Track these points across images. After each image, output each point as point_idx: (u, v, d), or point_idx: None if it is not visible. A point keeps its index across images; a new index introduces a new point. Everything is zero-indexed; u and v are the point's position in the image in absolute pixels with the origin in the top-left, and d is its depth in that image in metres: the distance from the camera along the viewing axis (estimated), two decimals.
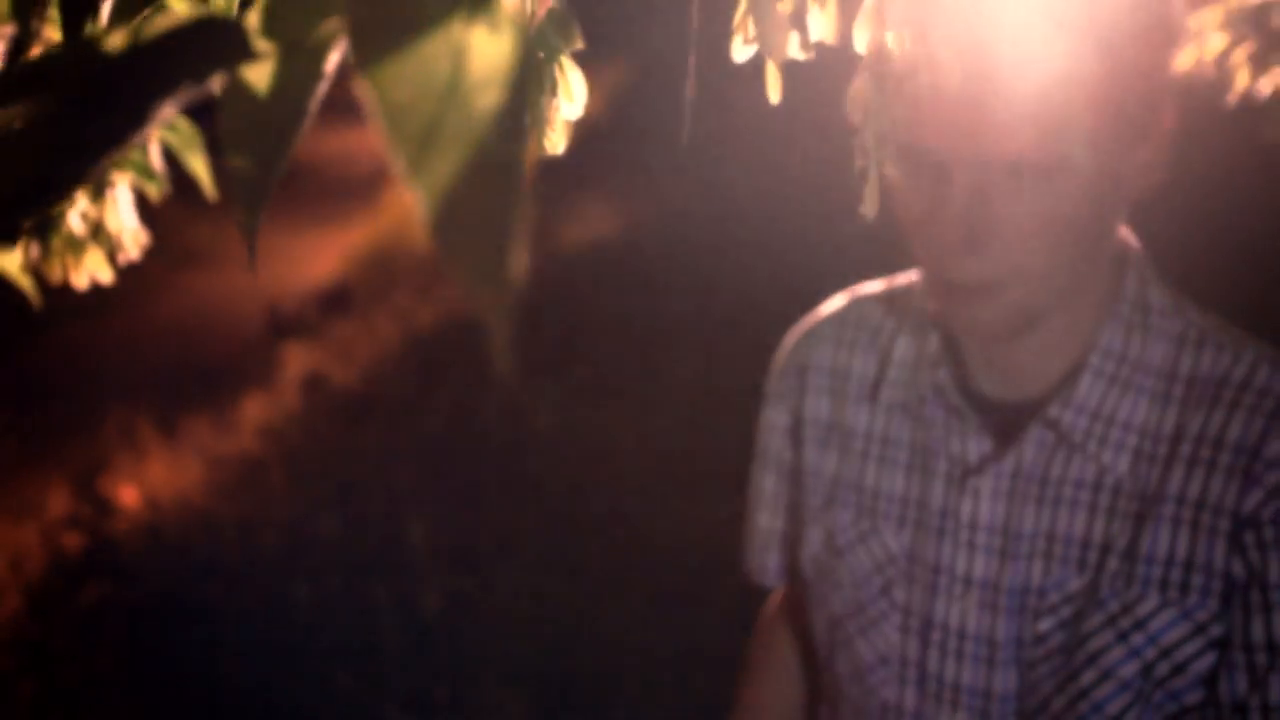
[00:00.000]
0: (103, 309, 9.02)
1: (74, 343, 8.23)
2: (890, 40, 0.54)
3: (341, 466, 4.31)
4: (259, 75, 0.44)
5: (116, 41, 0.42)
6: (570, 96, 0.66)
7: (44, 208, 0.39)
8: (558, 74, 0.66)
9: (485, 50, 0.35)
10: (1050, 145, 0.97)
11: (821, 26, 0.64)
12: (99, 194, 1.23)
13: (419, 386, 4.96)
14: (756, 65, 0.65)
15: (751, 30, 0.59)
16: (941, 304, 1.08)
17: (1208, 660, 1.05)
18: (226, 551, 3.81)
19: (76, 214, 1.25)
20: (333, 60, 0.45)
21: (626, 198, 6.88)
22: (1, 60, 0.67)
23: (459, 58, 0.35)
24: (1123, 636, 1.06)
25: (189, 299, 9.22)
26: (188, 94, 0.41)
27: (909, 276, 1.26)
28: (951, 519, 1.14)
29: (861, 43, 0.58)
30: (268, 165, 0.46)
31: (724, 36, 0.63)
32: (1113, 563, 1.07)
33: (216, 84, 0.43)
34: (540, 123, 0.74)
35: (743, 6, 0.60)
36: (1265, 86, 1.70)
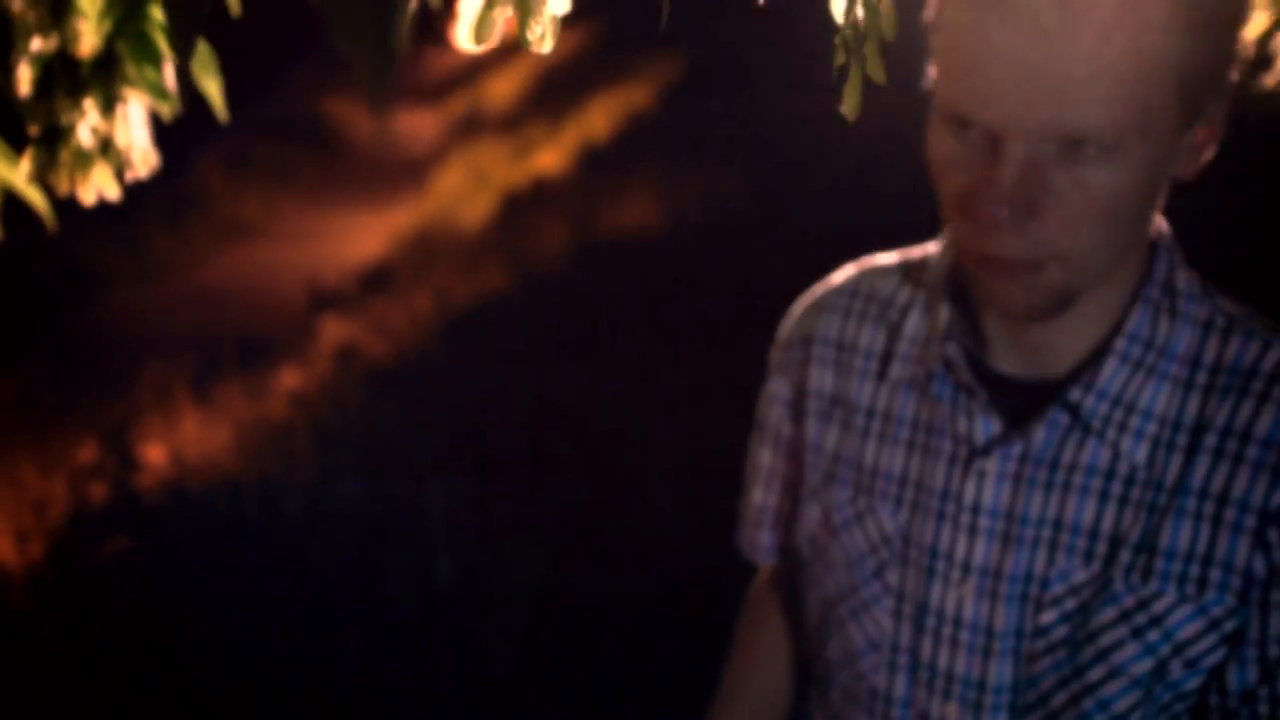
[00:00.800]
0: (147, 276, 9.12)
1: (118, 307, 8.31)
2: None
3: (367, 436, 4.32)
4: None
5: None
6: None
7: None
8: None
9: None
10: (1114, 120, 0.93)
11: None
12: (109, 108, 1.23)
13: (449, 363, 4.97)
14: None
15: None
16: (977, 280, 1.04)
17: (1218, 655, 1.02)
18: (248, 512, 3.83)
19: (86, 128, 1.24)
20: None
21: (670, 189, 6.86)
22: None
23: None
24: (1137, 633, 1.02)
25: (232, 270, 9.30)
26: None
27: (924, 248, 1.23)
28: (953, 501, 1.10)
29: None
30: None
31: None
32: (1125, 555, 1.03)
33: None
34: (526, 13, 0.72)
35: None
36: None
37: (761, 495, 1.32)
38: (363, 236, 9.78)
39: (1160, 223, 1.09)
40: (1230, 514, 1.00)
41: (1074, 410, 1.05)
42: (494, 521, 3.68)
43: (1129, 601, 1.03)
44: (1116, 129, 0.93)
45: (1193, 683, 1.03)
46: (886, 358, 1.18)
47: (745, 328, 4.78)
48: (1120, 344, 1.05)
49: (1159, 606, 1.02)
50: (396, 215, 10.10)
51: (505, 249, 7.11)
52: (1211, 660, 1.02)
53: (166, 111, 1.30)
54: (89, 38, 1.16)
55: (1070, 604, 1.05)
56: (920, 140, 1.04)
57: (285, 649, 3.22)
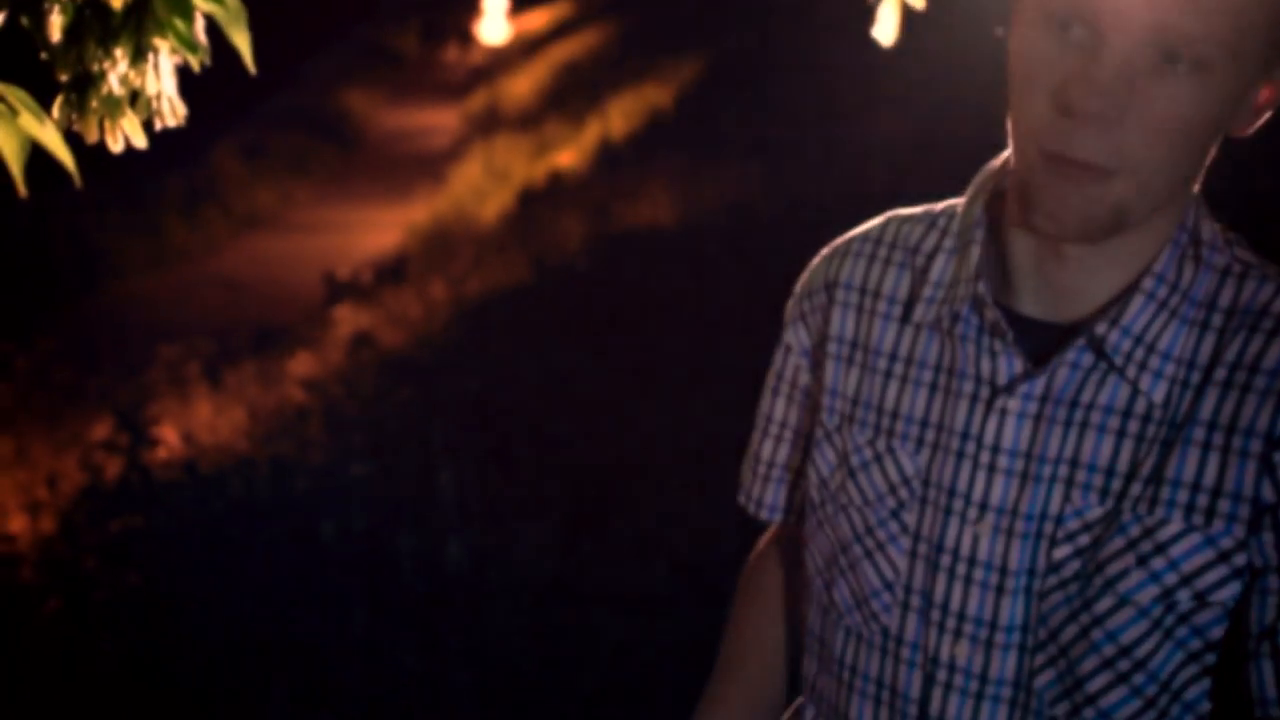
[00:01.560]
0: (164, 263, 9.17)
1: (134, 292, 8.37)
2: None
3: (380, 420, 4.34)
4: None
5: None
6: None
7: None
8: None
9: None
10: (1212, 33, 0.96)
11: None
12: (139, 58, 1.24)
13: (462, 352, 4.99)
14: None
15: None
16: (1035, 191, 1.05)
17: (1231, 590, 1.03)
18: (259, 490, 3.85)
19: (115, 76, 1.25)
20: None
21: (688, 185, 6.88)
22: None
23: None
24: (1142, 560, 1.04)
25: (248, 259, 9.36)
26: None
27: (949, 202, 1.25)
28: (973, 441, 1.11)
29: None
30: None
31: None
32: (1135, 488, 1.05)
33: None
34: None
35: None
36: None
37: (771, 449, 1.33)
38: (378, 229, 9.83)
39: None
40: (1237, 442, 1.02)
41: (1099, 345, 1.06)
42: (504, 505, 3.69)
43: (1135, 530, 1.04)
44: (1212, 44, 0.97)
45: (1206, 618, 1.04)
46: (910, 302, 1.19)
47: (755, 320, 4.80)
48: (1148, 283, 1.07)
49: (1164, 534, 1.03)
50: (412, 209, 10.14)
51: (519, 242, 7.14)
52: (1223, 595, 1.03)
53: (195, 63, 1.31)
54: None
55: (1083, 539, 1.06)
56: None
57: (295, 626, 3.24)
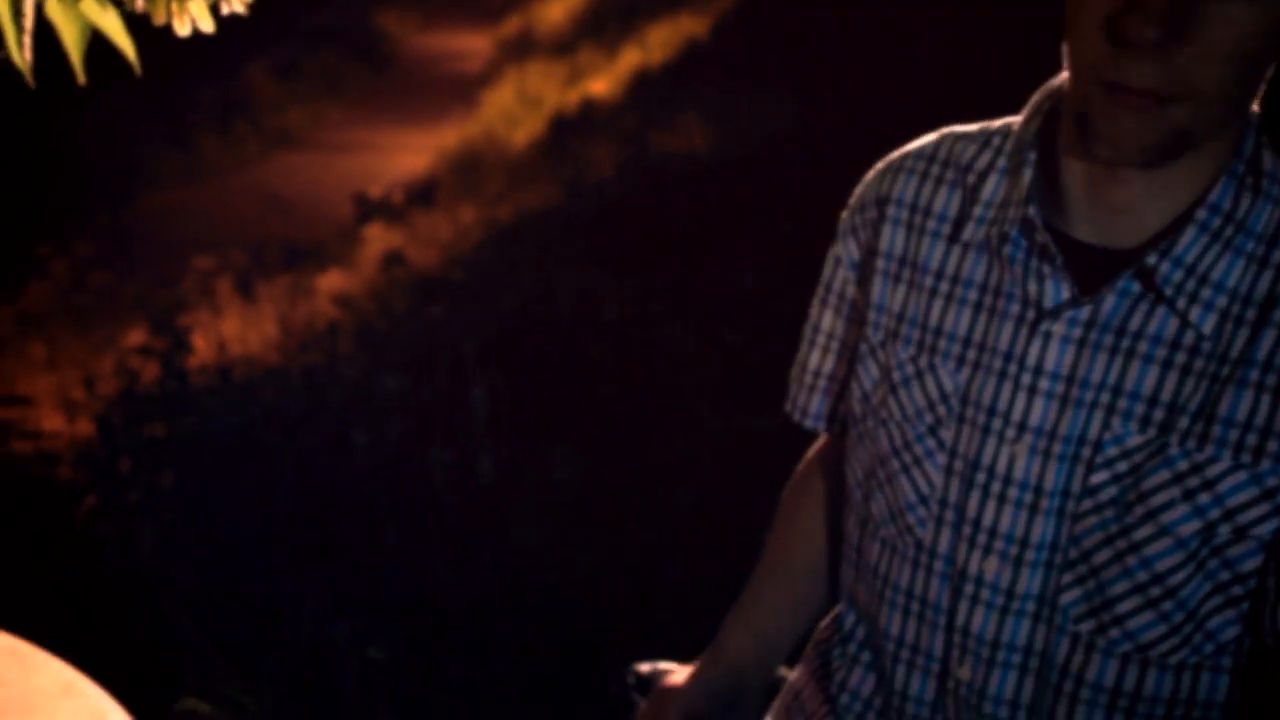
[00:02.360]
0: (198, 176, 9.19)
1: (168, 203, 8.39)
2: None
3: (412, 336, 4.37)
4: None
5: None
6: None
7: None
8: None
9: None
10: None
11: None
12: None
13: (494, 273, 5.00)
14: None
15: None
16: (1093, 116, 1.04)
17: (1270, 525, 1.04)
18: (292, 400, 3.89)
19: None
20: None
21: (723, 114, 6.85)
22: None
23: None
24: (1189, 495, 1.05)
25: (281, 177, 9.36)
26: None
27: (1005, 120, 1.25)
28: (1015, 363, 1.12)
29: None
30: None
31: None
32: (1183, 421, 1.05)
33: None
34: None
35: None
36: None
37: (818, 359, 1.34)
38: (408, 151, 9.80)
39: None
40: None
41: (1148, 276, 1.06)
42: (534, 422, 3.73)
43: (1183, 465, 1.05)
44: None
45: (1240, 551, 1.05)
46: (960, 220, 1.19)
47: (790, 247, 4.80)
48: (1201, 214, 1.06)
49: (1213, 471, 1.04)
50: (443, 132, 10.11)
51: (552, 168, 7.12)
52: (1262, 530, 1.04)
53: None
54: None
55: (1122, 466, 1.08)
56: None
57: (327, 532, 3.29)
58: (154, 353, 3.84)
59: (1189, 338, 1.06)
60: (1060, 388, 1.10)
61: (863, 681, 1.30)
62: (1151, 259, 1.06)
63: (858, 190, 1.30)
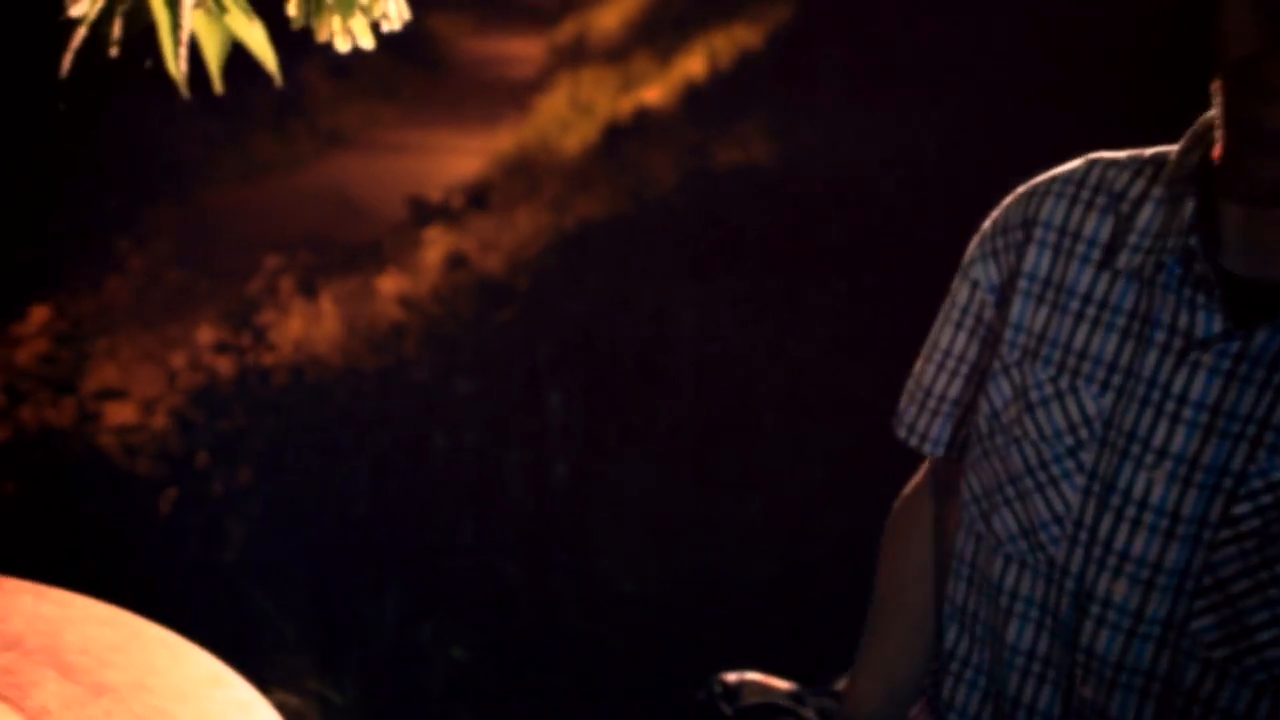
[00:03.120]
0: (253, 175, 9.29)
1: (223, 202, 8.48)
2: None
3: (481, 341, 4.42)
4: None
5: None
6: None
7: None
8: None
9: None
10: None
11: None
12: None
13: (560, 279, 5.05)
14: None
15: None
16: (1248, 161, 1.06)
17: None
18: (366, 401, 3.94)
19: None
20: None
21: (780, 127, 6.87)
22: None
23: None
24: None
25: (335, 177, 9.44)
26: None
27: (1156, 148, 1.26)
28: (1159, 390, 1.14)
29: None
30: None
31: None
32: None
33: None
34: None
35: None
36: None
37: (944, 383, 1.34)
38: (462, 154, 9.87)
39: None
40: None
41: None
42: (608, 430, 3.76)
43: None
44: None
45: None
46: (1112, 247, 1.20)
47: (853, 264, 4.82)
48: None
49: None
50: (496, 136, 10.17)
51: (608, 175, 7.16)
52: None
53: None
54: None
55: (1266, 499, 1.09)
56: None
57: (404, 534, 3.34)
58: (231, 349, 3.90)
59: None
60: (1204, 417, 1.12)
61: (969, 699, 1.31)
62: None
63: (997, 214, 1.31)
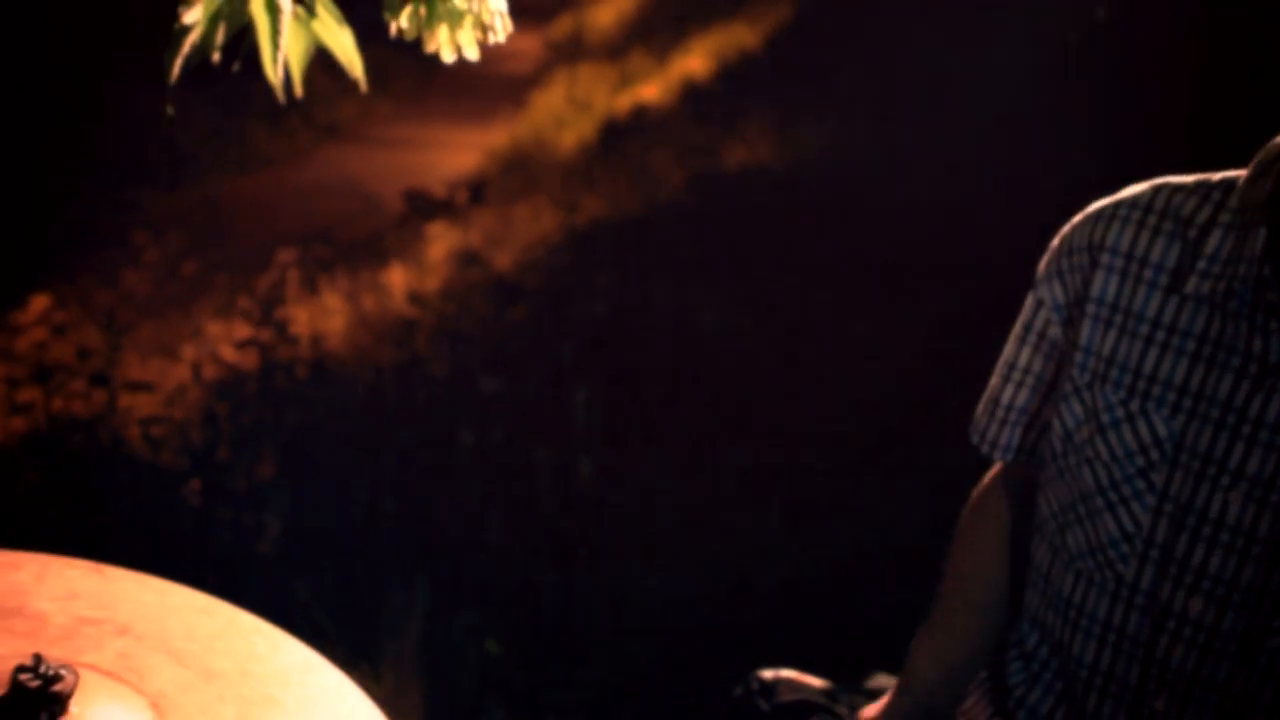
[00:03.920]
0: (250, 168, 9.27)
1: (224, 194, 8.47)
2: None
3: (499, 337, 4.45)
4: None
5: None
6: None
7: None
8: None
9: None
10: None
11: None
12: None
13: (575, 278, 5.08)
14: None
15: None
16: None
17: None
18: (388, 396, 3.96)
19: None
20: None
21: (778, 127, 6.91)
22: None
23: None
24: None
25: (332, 170, 9.44)
26: None
27: (1223, 173, 1.28)
28: (1234, 413, 1.17)
29: None
30: None
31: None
32: None
33: None
34: None
35: None
36: None
37: (1012, 394, 1.40)
38: (458, 149, 9.87)
39: None
40: None
41: None
42: (631, 429, 3.80)
43: None
44: None
45: None
46: (1180, 272, 1.24)
47: (862, 269, 4.87)
48: None
49: None
50: (492, 131, 10.18)
51: (607, 174, 7.18)
52: None
53: None
54: None
55: None
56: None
57: (432, 530, 3.37)
58: (255, 343, 3.92)
59: None
60: None
61: (1042, 700, 1.35)
62: None
63: (1063, 234, 1.34)
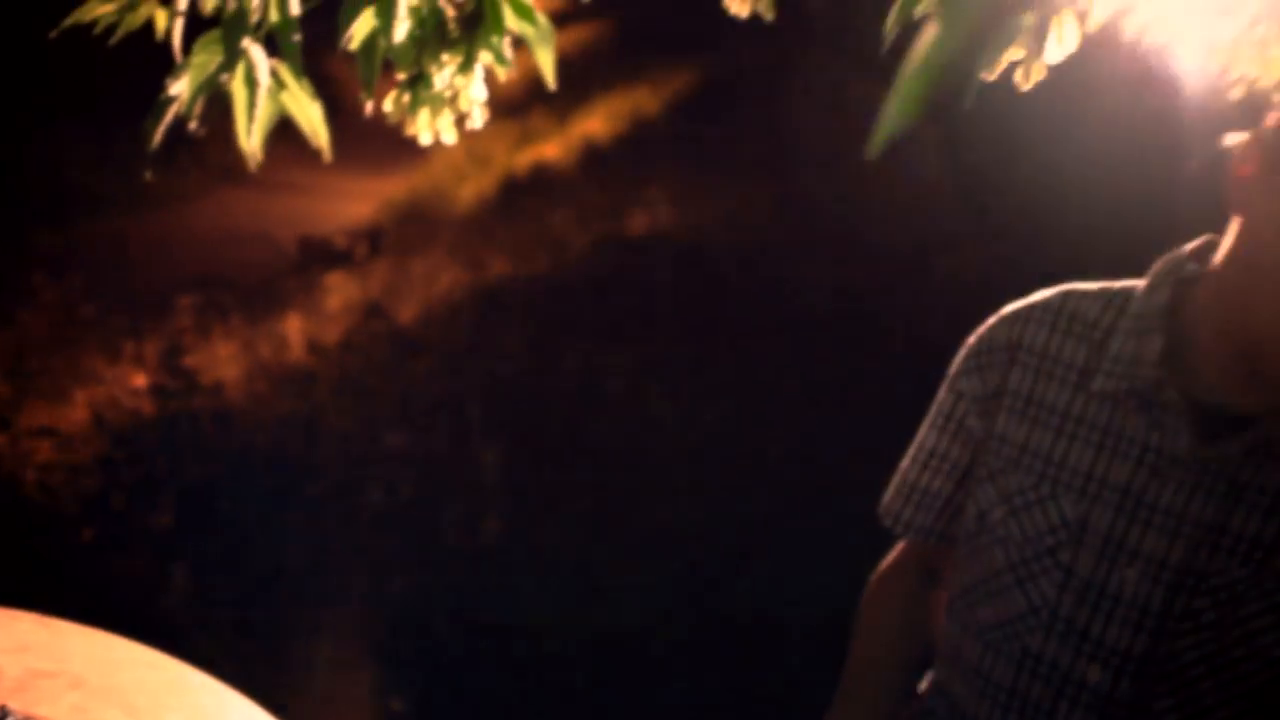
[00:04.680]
0: (137, 208, 9.08)
1: (110, 232, 8.29)
2: None
3: (402, 392, 4.44)
4: None
5: None
6: None
7: None
8: None
9: None
10: None
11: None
12: (467, 66, 1.40)
13: (479, 335, 5.09)
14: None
15: None
16: (1266, 328, 1.21)
17: None
18: (287, 447, 3.93)
19: (441, 79, 1.41)
20: None
21: (682, 195, 7.01)
22: None
23: None
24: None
25: (224, 213, 9.30)
26: None
27: (1123, 283, 1.39)
28: (1133, 498, 1.28)
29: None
30: None
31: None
32: (1278, 561, 1.23)
33: None
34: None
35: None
36: None
37: (927, 479, 1.48)
38: (352, 197, 9.79)
39: None
40: None
41: (1265, 441, 1.24)
42: (536, 488, 3.83)
43: (1279, 598, 1.23)
44: None
45: None
46: (1087, 371, 1.35)
47: (764, 335, 4.98)
48: None
49: None
50: (388, 182, 10.13)
51: (505, 231, 7.20)
52: None
53: (502, 74, 1.48)
54: None
55: (1224, 595, 1.25)
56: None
57: (326, 583, 3.35)
58: (149, 392, 3.87)
59: None
60: (1172, 523, 1.26)
61: None
62: (1269, 425, 1.24)
63: (980, 334, 1.45)
